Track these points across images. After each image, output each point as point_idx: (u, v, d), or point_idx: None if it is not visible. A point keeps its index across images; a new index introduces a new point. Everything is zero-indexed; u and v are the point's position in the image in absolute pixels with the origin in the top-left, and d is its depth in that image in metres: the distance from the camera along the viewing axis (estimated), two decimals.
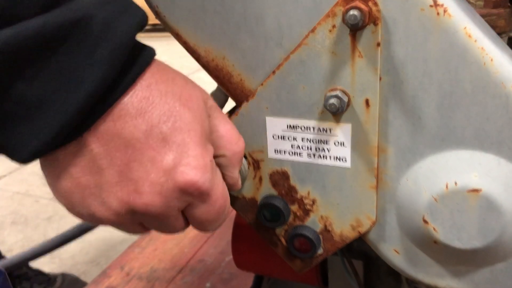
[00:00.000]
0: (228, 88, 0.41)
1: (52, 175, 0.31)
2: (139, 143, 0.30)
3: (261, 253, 0.63)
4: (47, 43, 0.26)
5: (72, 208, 0.33)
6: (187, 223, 0.36)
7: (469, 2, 0.41)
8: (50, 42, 0.26)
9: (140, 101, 0.30)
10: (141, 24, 0.30)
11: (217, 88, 0.47)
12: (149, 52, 0.32)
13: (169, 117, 0.31)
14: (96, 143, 0.30)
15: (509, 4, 0.39)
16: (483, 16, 0.38)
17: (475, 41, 0.32)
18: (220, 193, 0.34)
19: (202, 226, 0.36)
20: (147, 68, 0.31)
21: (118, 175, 0.30)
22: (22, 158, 0.29)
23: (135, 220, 0.33)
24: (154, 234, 1.26)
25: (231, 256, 0.68)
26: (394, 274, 0.58)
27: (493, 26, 0.38)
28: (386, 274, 0.59)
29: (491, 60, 0.32)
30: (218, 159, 0.36)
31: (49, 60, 0.27)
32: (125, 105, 0.30)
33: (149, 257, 1.16)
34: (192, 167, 0.31)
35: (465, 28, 0.32)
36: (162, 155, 0.30)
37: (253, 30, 0.37)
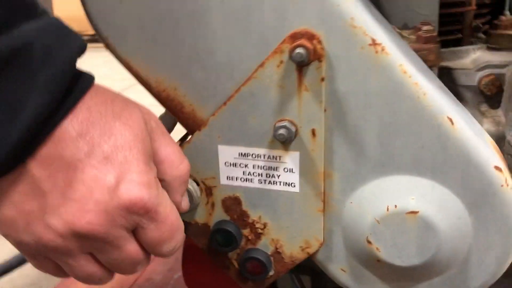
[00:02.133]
0: (180, 117, 0.42)
1: None
2: (81, 164, 0.30)
3: (212, 274, 0.64)
4: None
5: (16, 237, 0.32)
6: (145, 252, 0.36)
7: (402, 36, 0.44)
8: None
9: (81, 122, 0.30)
10: (81, 50, 0.31)
11: (166, 111, 0.48)
12: (88, 77, 0.32)
13: (110, 136, 0.31)
14: (38, 167, 0.30)
15: (437, 39, 0.43)
16: (415, 51, 0.42)
17: (410, 76, 0.35)
18: (168, 210, 0.34)
19: (157, 248, 0.35)
20: (87, 91, 0.31)
21: (62, 196, 0.30)
22: None
23: (84, 247, 0.32)
24: None
25: (179, 273, 0.68)
26: None
27: (425, 60, 0.41)
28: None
29: (424, 94, 0.35)
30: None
31: None
32: (66, 128, 0.30)
33: None
34: (136, 183, 0.31)
35: (400, 65, 0.35)
36: (105, 173, 0.31)
37: (204, 63, 0.39)
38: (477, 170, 0.36)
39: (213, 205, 0.44)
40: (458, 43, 0.51)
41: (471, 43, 0.51)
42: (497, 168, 0.36)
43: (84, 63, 0.32)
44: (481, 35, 0.52)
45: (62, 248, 0.32)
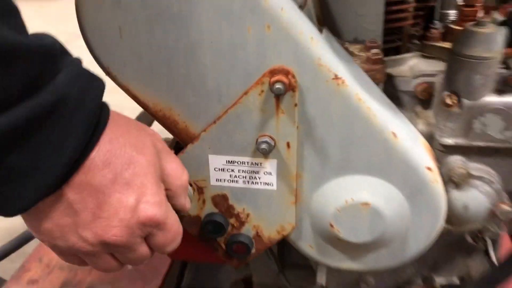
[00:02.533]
0: (174, 131, 0.49)
1: (34, 220, 0.38)
2: (107, 189, 0.38)
3: (192, 244, 0.74)
4: (32, 124, 0.32)
5: (52, 242, 0.40)
6: (151, 251, 0.45)
7: (354, 54, 0.53)
8: (35, 123, 0.32)
9: (105, 154, 0.37)
10: (103, 91, 0.38)
11: (143, 112, 0.54)
12: (107, 109, 0.39)
13: (129, 165, 0.39)
14: (72, 192, 0.37)
15: (383, 61, 0.52)
16: (365, 71, 0.51)
17: (364, 102, 0.45)
18: (173, 220, 0.43)
19: (162, 249, 0.45)
20: (107, 123, 0.38)
21: (92, 215, 0.38)
22: (10, 214, 0.35)
23: (107, 251, 0.41)
24: None
25: None
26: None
27: (373, 79, 0.51)
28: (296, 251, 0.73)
29: (374, 116, 0.45)
30: (166, 192, 0.45)
31: (35, 135, 0.33)
32: (93, 159, 0.37)
33: None
34: (151, 204, 0.40)
35: (356, 94, 0.44)
36: (127, 197, 0.38)
37: (196, 89, 0.46)
38: (413, 171, 0.47)
39: (204, 201, 0.52)
40: (398, 49, 0.61)
41: (408, 49, 0.61)
42: (428, 168, 0.48)
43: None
44: (416, 42, 0.62)
45: (91, 252, 0.40)
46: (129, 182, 0.38)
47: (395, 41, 0.60)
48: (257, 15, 0.42)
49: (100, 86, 0.37)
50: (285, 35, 0.42)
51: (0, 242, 1.48)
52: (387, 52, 0.59)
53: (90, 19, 0.44)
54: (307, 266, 0.68)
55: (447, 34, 0.58)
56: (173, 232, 0.43)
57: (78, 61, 0.37)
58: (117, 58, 0.45)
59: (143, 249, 0.43)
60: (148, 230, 0.40)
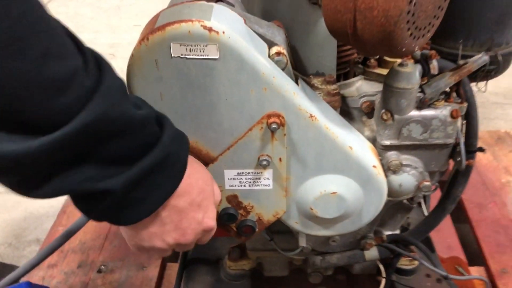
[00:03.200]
0: (198, 156, 0.70)
1: (133, 229, 0.58)
2: (186, 209, 0.58)
3: None
4: (151, 171, 0.51)
5: (140, 244, 0.60)
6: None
7: (317, 88, 0.74)
8: (153, 170, 0.51)
9: (186, 186, 0.57)
10: (188, 145, 0.57)
11: None
12: (186, 151, 0.58)
13: (200, 193, 0.59)
14: (163, 211, 0.56)
15: (340, 94, 0.74)
16: (327, 101, 0.73)
17: (329, 129, 0.67)
18: (215, 225, 0.64)
19: (204, 242, 0.66)
20: (187, 167, 0.58)
21: (175, 226, 0.58)
22: (125, 224, 0.55)
23: (175, 248, 0.62)
24: (69, 210, 1.46)
25: None
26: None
27: (332, 106, 0.73)
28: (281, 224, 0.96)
29: (337, 137, 0.68)
30: None
31: (151, 178, 0.52)
32: (179, 190, 0.56)
33: None
34: (211, 218, 0.61)
35: (324, 124, 0.67)
36: (197, 214, 0.59)
37: (215, 129, 0.66)
38: (364, 169, 0.71)
39: (221, 200, 0.74)
40: (347, 74, 0.83)
41: (354, 74, 0.83)
42: (374, 166, 0.71)
43: None
44: (360, 66, 0.83)
45: (165, 250, 0.61)
46: (200, 204, 0.58)
47: (345, 68, 0.82)
48: (257, 82, 0.62)
49: (187, 141, 0.57)
50: (276, 93, 0.63)
51: (5, 233, 1.64)
52: (339, 77, 0.81)
53: (139, 87, 0.63)
54: (289, 232, 0.92)
55: (381, 63, 0.80)
56: (213, 232, 0.64)
57: (171, 124, 0.55)
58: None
59: (194, 243, 0.64)
60: (205, 233, 0.62)
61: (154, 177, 0.52)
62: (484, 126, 2.01)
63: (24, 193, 0.48)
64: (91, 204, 0.51)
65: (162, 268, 1.27)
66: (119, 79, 0.49)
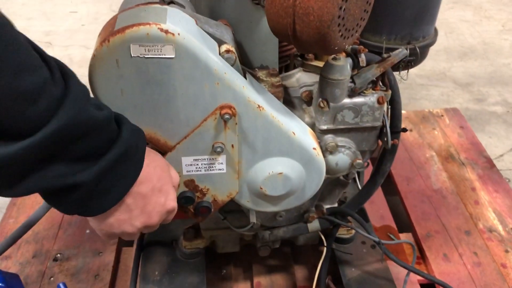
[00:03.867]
0: (156, 145, 0.76)
1: (100, 218, 0.64)
2: (148, 195, 0.65)
3: None
4: (115, 164, 0.57)
5: (110, 231, 0.66)
6: None
7: (262, 80, 0.83)
8: (116, 163, 0.57)
9: (146, 174, 0.63)
10: (145, 137, 0.64)
11: None
12: (143, 143, 0.65)
13: (160, 179, 0.66)
14: (129, 198, 0.63)
15: (282, 85, 0.83)
16: (271, 93, 0.81)
17: (275, 117, 0.76)
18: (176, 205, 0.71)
19: (167, 222, 0.73)
20: (145, 157, 0.65)
21: (140, 211, 0.65)
22: (92, 215, 0.62)
23: (143, 230, 0.69)
24: (19, 201, 1.47)
25: None
26: None
27: (277, 97, 0.82)
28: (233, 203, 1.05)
29: (282, 124, 0.77)
30: None
31: (115, 170, 0.58)
32: (141, 177, 0.63)
33: None
34: (171, 200, 0.68)
35: (271, 113, 0.75)
36: (159, 198, 0.66)
37: (173, 120, 0.73)
38: (306, 151, 0.80)
39: (179, 185, 0.81)
40: (287, 67, 0.92)
41: (295, 65, 0.92)
42: (314, 148, 0.81)
43: None
44: (299, 59, 0.93)
45: (134, 233, 0.68)
46: (161, 189, 0.66)
47: (285, 62, 0.91)
48: (210, 78, 0.70)
49: (143, 135, 0.63)
50: (227, 87, 0.71)
51: None
52: (280, 70, 0.90)
53: (101, 84, 0.68)
54: (240, 211, 1.01)
55: (317, 56, 0.90)
56: (175, 211, 0.72)
57: (127, 121, 0.62)
58: (119, 108, 0.70)
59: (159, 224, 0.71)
60: (168, 214, 0.69)
61: (118, 168, 0.59)
62: (411, 107, 2.19)
63: (2, 193, 0.53)
64: (62, 199, 0.57)
65: (118, 253, 1.32)
66: (83, 85, 0.56)
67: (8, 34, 0.47)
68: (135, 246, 1.28)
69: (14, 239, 0.97)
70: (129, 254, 1.33)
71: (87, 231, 1.38)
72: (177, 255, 1.16)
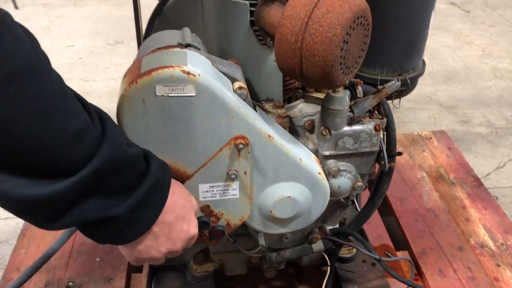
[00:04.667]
0: (177, 174, 0.83)
1: (132, 246, 0.71)
2: (173, 223, 0.72)
3: None
4: (145, 196, 0.65)
5: (139, 257, 0.73)
6: None
7: (269, 111, 0.91)
8: (146, 195, 0.65)
9: (171, 204, 0.71)
10: (170, 171, 0.71)
11: None
12: (169, 176, 0.72)
13: (183, 208, 0.73)
14: (155, 227, 0.70)
15: (288, 117, 0.91)
16: (278, 123, 0.89)
17: (283, 145, 0.83)
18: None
19: (189, 247, 0.79)
20: (170, 188, 0.72)
21: (166, 238, 0.72)
22: (124, 243, 0.68)
23: (168, 255, 0.75)
24: (29, 232, 1.51)
25: None
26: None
27: (283, 127, 0.89)
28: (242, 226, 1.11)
29: (290, 151, 0.84)
30: None
31: (145, 201, 0.66)
32: (166, 207, 0.70)
33: (36, 253, 1.44)
34: (194, 226, 0.75)
35: (280, 142, 0.83)
36: (183, 225, 0.73)
37: (192, 151, 0.81)
38: (312, 176, 0.88)
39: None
40: (290, 99, 1.00)
41: (296, 96, 1.01)
42: (319, 173, 0.89)
43: None
44: (300, 91, 1.01)
45: (161, 259, 0.74)
46: (183, 217, 0.72)
47: (288, 94, 0.99)
48: (226, 112, 0.77)
49: (168, 168, 0.71)
50: (241, 120, 0.79)
51: None
52: (283, 101, 0.98)
53: (128, 121, 0.75)
54: (248, 234, 1.07)
55: (317, 88, 0.99)
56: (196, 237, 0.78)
57: (154, 156, 0.69)
58: (144, 142, 0.77)
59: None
60: (190, 240, 0.75)
61: (148, 200, 0.66)
62: (400, 130, 2.29)
63: (44, 227, 0.59)
64: (98, 230, 0.64)
65: (128, 279, 1.37)
66: (117, 126, 0.64)
67: (59, 86, 0.54)
68: (144, 272, 1.33)
69: (36, 269, 1.02)
70: (139, 280, 1.38)
71: (97, 258, 1.43)
72: (188, 278, 1.21)
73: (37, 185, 0.53)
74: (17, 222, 1.83)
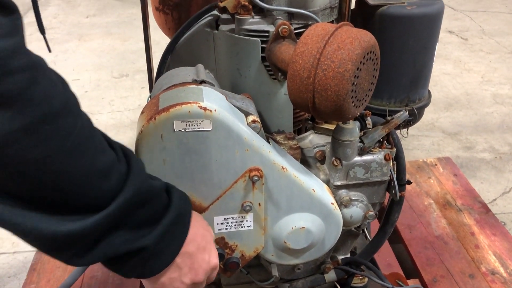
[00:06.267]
0: (192, 207, 0.85)
1: (156, 279, 0.71)
2: (195, 253, 0.72)
3: None
4: (169, 228, 0.66)
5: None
6: None
7: (281, 143, 0.93)
8: (170, 227, 0.66)
9: (192, 234, 0.71)
10: (190, 201, 0.73)
11: None
12: (190, 206, 0.73)
13: (203, 238, 0.74)
14: (178, 258, 0.71)
15: (299, 148, 0.93)
16: (290, 154, 0.91)
17: (297, 177, 0.85)
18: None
19: (211, 280, 0.80)
20: (192, 217, 0.73)
21: (189, 269, 0.72)
22: (147, 277, 0.69)
23: (192, 287, 0.76)
24: (39, 266, 1.51)
25: None
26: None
27: (295, 158, 0.91)
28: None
29: (303, 183, 0.86)
30: None
31: (169, 233, 0.67)
32: (189, 238, 0.71)
33: (47, 287, 1.44)
34: (214, 257, 0.76)
35: (293, 173, 0.85)
36: (204, 256, 0.74)
37: (207, 184, 0.82)
38: (325, 207, 0.89)
39: None
40: (300, 130, 1.02)
41: (306, 128, 1.03)
42: (332, 203, 0.90)
43: None
44: (310, 122, 1.03)
45: None
46: (205, 247, 0.73)
47: (298, 125, 1.02)
48: (241, 145, 0.79)
49: (189, 199, 0.72)
50: (255, 152, 0.81)
51: None
52: (294, 133, 1.00)
53: (146, 156, 0.77)
54: (260, 265, 1.08)
55: (327, 120, 1.01)
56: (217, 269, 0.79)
57: (175, 187, 0.71)
58: (161, 176, 0.79)
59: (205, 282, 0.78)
60: (212, 271, 0.76)
61: (173, 231, 0.67)
62: (405, 157, 2.31)
63: (72, 263, 0.60)
64: (124, 263, 0.64)
65: None
66: (140, 161, 0.66)
67: (88, 124, 0.57)
68: None
69: None
70: None
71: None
72: None
73: (68, 221, 0.54)
74: (25, 256, 1.83)
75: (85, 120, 0.56)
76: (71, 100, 0.54)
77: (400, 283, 1.38)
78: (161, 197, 0.66)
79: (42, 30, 0.83)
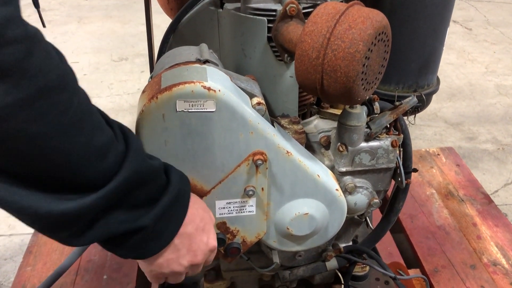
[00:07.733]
0: (194, 190, 0.82)
1: (153, 260, 0.69)
2: (193, 234, 0.70)
3: None
4: (169, 207, 0.64)
5: (160, 271, 0.71)
6: None
7: (285, 127, 0.90)
8: (170, 205, 0.64)
9: (191, 215, 0.70)
10: (189, 182, 0.71)
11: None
12: (189, 187, 0.71)
13: (202, 219, 0.72)
14: (176, 239, 0.69)
15: (304, 133, 0.90)
16: (295, 139, 0.89)
17: (302, 162, 0.83)
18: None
19: (209, 262, 0.78)
20: (190, 199, 0.71)
21: (187, 250, 0.70)
22: (145, 257, 0.67)
23: (189, 269, 0.74)
24: (35, 249, 1.49)
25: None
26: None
27: (300, 143, 0.89)
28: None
29: (308, 167, 0.83)
30: None
31: (169, 212, 0.65)
32: (187, 218, 0.69)
33: (43, 270, 1.42)
34: (213, 239, 0.74)
35: (298, 158, 0.82)
36: (203, 237, 0.72)
37: (209, 167, 0.80)
38: (329, 192, 0.87)
39: None
40: (305, 114, 0.99)
41: (311, 112, 1.00)
42: (336, 189, 0.88)
43: None
44: (315, 107, 1.01)
45: (182, 272, 0.73)
46: (203, 229, 0.71)
47: (303, 110, 0.99)
48: (245, 128, 0.77)
49: (188, 180, 0.70)
50: (260, 135, 0.78)
51: None
52: (298, 117, 0.98)
53: (147, 136, 0.75)
54: (260, 252, 1.06)
55: (333, 105, 0.98)
56: (216, 251, 0.77)
57: (174, 168, 0.68)
58: (162, 157, 0.76)
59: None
60: (211, 253, 0.74)
61: (171, 211, 0.65)
62: None
63: (69, 243, 0.59)
64: (122, 243, 0.63)
65: None
66: (139, 140, 0.64)
67: (85, 101, 0.54)
68: None
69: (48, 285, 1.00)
70: None
71: (104, 276, 1.41)
72: None
73: (64, 200, 0.52)
74: (22, 239, 1.81)
75: (83, 96, 0.53)
76: (69, 75, 0.51)
77: (401, 272, 1.37)
78: (159, 177, 0.64)
79: (36, 3, 0.80)
